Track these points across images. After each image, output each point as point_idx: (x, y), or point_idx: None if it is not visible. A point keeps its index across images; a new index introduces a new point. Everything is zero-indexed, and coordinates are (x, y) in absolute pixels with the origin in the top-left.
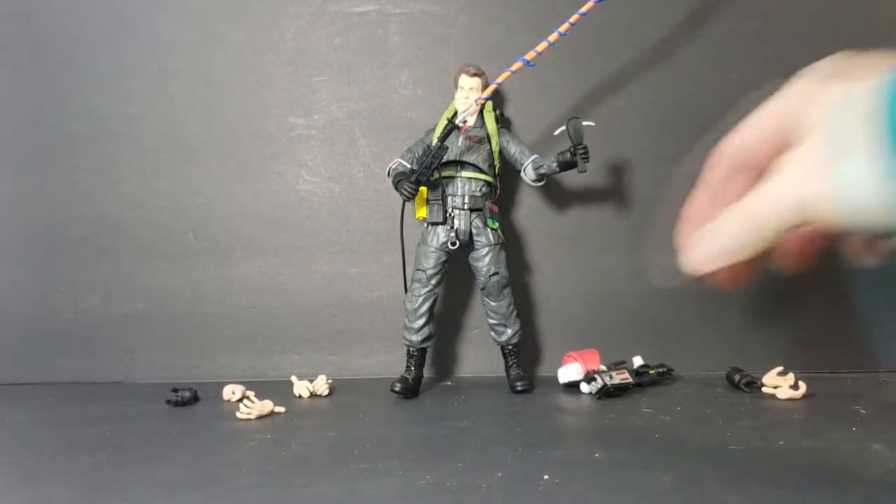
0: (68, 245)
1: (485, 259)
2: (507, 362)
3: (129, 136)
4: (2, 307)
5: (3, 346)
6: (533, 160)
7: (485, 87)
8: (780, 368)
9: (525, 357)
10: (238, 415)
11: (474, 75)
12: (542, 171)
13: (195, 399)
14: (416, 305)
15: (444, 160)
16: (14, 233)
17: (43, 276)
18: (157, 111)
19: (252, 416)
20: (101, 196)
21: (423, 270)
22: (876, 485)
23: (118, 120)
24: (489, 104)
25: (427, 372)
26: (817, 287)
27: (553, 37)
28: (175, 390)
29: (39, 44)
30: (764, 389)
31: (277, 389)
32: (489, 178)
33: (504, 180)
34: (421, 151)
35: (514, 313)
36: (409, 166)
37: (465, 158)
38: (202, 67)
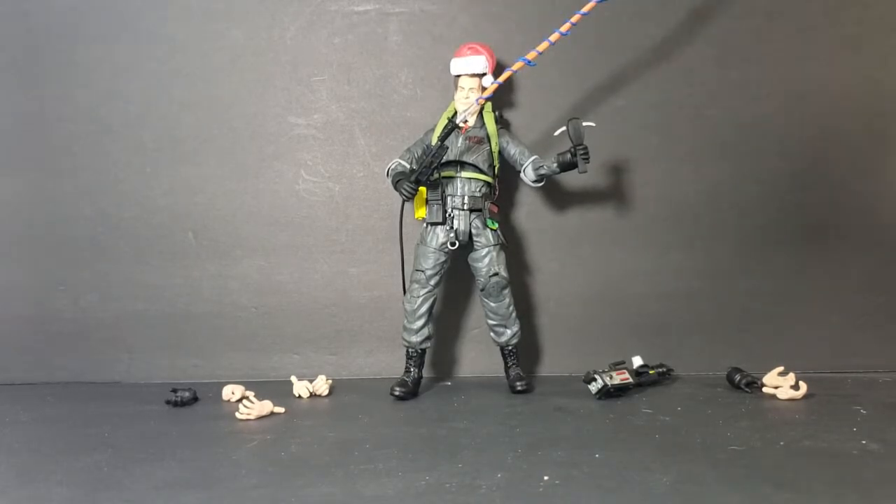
0: (68, 245)
1: (484, 260)
2: (506, 363)
3: (129, 136)
4: (2, 307)
5: (3, 346)
6: (533, 161)
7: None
8: (781, 368)
9: (525, 357)
10: (238, 415)
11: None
12: (542, 171)
13: (195, 399)
14: (416, 306)
15: (443, 160)
16: (14, 233)
17: (43, 275)
18: (157, 111)
19: (252, 417)
20: (101, 195)
21: (423, 271)
22: (876, 485)
23: (118, 120)
24: (489, 105)
25: (427, 372)
26: (817, 287)
27: (554, 37)
28: (175, 390)
29: (39, 44)
30: (764, 389)
31: (277, 389)
32: (489, 179)
33: (504, 181)
34: (420, 152)
35: (514, 314)
36: (407, 166)
37: (464, 159)
38: (202, 67)
